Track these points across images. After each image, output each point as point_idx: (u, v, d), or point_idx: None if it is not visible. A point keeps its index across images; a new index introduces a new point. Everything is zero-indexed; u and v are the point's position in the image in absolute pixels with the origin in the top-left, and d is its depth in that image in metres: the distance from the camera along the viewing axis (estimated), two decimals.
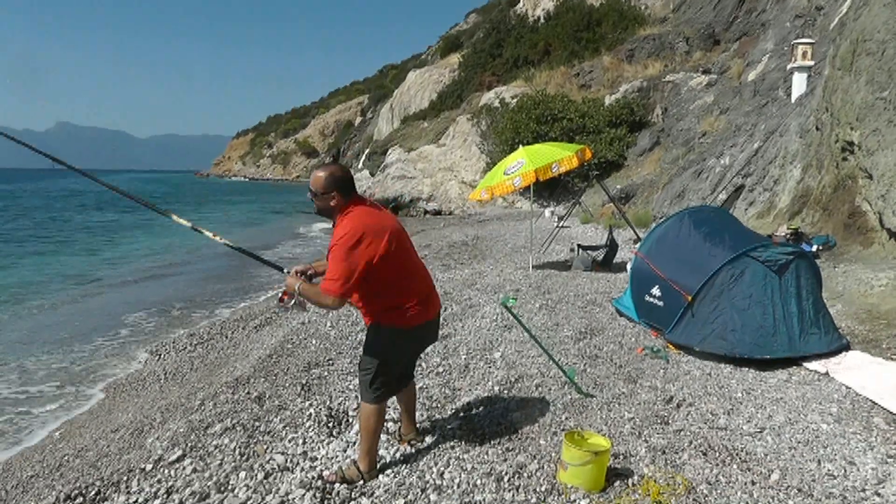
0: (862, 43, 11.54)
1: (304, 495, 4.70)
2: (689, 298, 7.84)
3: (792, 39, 22.23)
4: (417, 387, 6.72)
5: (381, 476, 4.94)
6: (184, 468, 5.30)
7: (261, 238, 31.11)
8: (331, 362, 8.03)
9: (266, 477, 5.04)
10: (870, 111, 10.94)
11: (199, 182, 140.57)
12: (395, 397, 5.31)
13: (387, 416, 5.85)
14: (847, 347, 7.52)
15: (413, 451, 5.35)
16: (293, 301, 4.56)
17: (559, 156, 13.91)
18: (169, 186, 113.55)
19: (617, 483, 4.70)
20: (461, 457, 5.18)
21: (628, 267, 11.11)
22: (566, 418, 5.91)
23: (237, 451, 5.51)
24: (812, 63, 18.76)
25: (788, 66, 20.18)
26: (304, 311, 4.80)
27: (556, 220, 23.09)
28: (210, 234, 5.31)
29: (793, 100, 18.92)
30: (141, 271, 21.70)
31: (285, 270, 4.84)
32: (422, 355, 7.78)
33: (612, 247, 14.57)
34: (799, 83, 18.94)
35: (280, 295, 4.62)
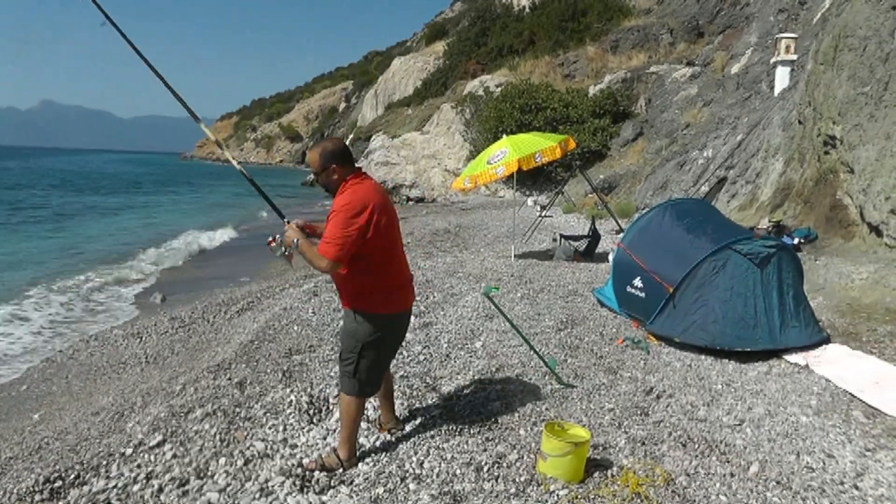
0: (844, 39, 11.59)
1: (283, 482, 4.69)
2: (671, 290, 7.86)
3: (775, 33, 22.33)
4: (398, 375, 6.74)
5: (360, 464, 4.93)
6: (164, 453, 5.28)
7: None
8: (312, 349, 7.99)
9: (246, 463, 5.02)
10: (851, 106, 11.00)
11: (183, 165, 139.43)
12: None
13: (367, 403, 5.86)
14: (827, 340, 7.57)
15: (393, 439, 5.35)
16: (282, 250, 4.58)
17: (542, 145, 13.91)
18: (153, 168, 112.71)
19: (596, 474, 4.72)
20: (441, 446, 5.18)
21: (610, 257, 11.13)
22: (546, 408, 5.92)
23: (217, 437, 5.49)
24: (795, 57, 18.86)
25: (772, 60, 20.29)
26: (289, 263, 4.81)
27: (539, 209, 23.11)
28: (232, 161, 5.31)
29: (776, 93, 19.01)
30: (122, 253, 21.54)
31: (286, 220, 4.84)
32: (403, 343, 7.79)
33: (594, 237, 14.61)
34: (782, 77, 19.05)
35: (269, 239, 4.64)
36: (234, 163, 5.24)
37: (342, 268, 4.51)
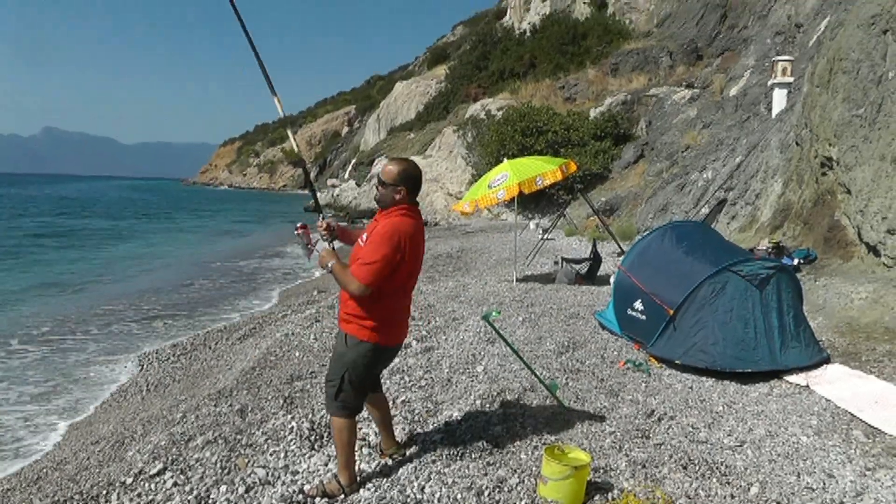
0: (838, 62, 11.71)
1: None
2: (671, 312, 7.88)
3: (772, 56, 22.50)
4: (400, 399, 6.74)
5: (361, 490, 4.92)
6: (164, 482, 5.27)
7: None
8: (314, 375, 8.00)
9: (247, 491, 5.02)
10: (847, 128, 11.09)
11: (185, 190, 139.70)
12: (368, 413, 5.34)
13: (368, 429, 5.87)
14: (827, 360, 7.59)
15: (394, 464, 5.34)
16: (304, 243, 4.81)
17: (543, 169, 13.96)
18: (155, 194, 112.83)
19: (597, 497, 4.71)
20: (442, 471, 5.17)
21: (611, 280, 11.15)
22: (547, 432, 5.92)
23: (218, 465, 5.48)
24: (792, 79, 19.00)
25: (769, 82, 20.42)
26: (306, 257, 4.89)
27: (541, 232, 23.14)
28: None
29: (773, 115, 19.11)
30: (125, 281, 21.55)
31: (322, 216, 4.92)
32: (404, 368, 7.80)
33: (595, 260, 14.61)
34: (779, 99, 19.16)
35: (298, 225, 4.81)
36: None
37: (369, 293, 4.51)
